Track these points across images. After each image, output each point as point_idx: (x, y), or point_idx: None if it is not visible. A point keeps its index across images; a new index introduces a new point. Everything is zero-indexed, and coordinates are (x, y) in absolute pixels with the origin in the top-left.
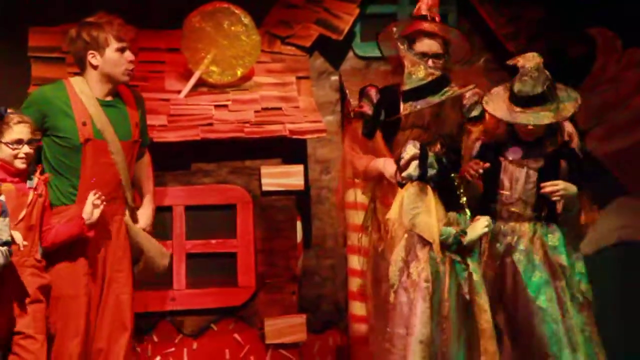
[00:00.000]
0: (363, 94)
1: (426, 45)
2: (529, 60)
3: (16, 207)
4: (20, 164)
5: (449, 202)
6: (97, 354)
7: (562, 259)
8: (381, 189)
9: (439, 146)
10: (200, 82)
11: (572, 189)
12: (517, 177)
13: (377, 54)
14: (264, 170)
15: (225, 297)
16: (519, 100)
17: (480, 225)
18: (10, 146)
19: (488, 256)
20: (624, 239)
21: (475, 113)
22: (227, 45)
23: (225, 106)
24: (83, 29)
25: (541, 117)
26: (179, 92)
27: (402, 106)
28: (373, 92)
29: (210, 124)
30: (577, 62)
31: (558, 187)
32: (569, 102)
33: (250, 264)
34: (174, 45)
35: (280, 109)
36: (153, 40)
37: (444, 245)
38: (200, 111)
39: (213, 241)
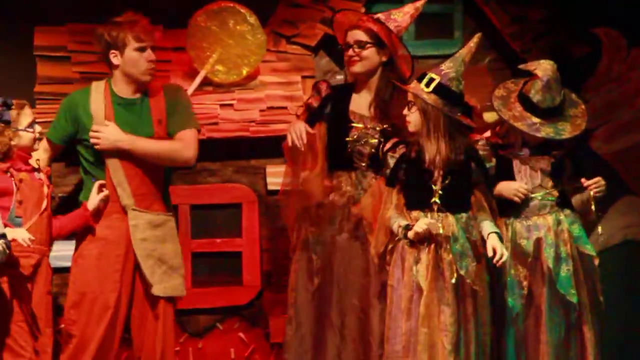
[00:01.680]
0: (314, 88)
1: (349, 35)
2: (548, 71)
3: (39, 198)
4: (37, 146)
5: (417, 201)
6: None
7: (588, 248)
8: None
9: (414, 146)
10: (206, 81)
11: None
12: (531, 175)
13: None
14: (270, 169)
15: (231, 296)
16: (538, 112)
17: (420, 223)
18: (29, 130)
19: (514, 257)
20: (629, 238)
21: None
22: (233, 45)
23: (231, 105)
24: (105, 28)
25: (560, 129)
26: None
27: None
28: (324, 87)
29: (216, 123)
30: (582, 62)
31: (601, 182)
32: (576, 108)
33: (255, 263)
34: (180, 45)
35: (285, 108)
36: (158, 39)
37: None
38: (205, 110)
39: (218, 240)
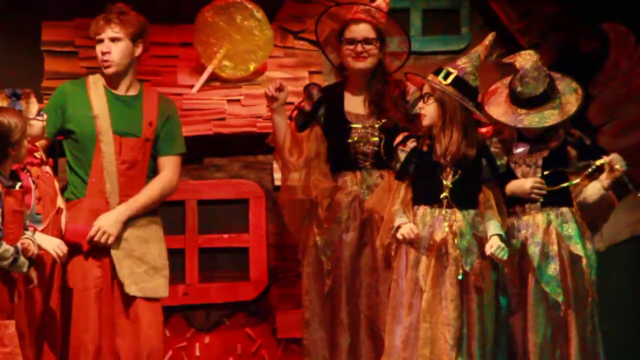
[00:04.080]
0: (306, 91)
1: (354, 31)
2: (527, 60)
3: (54, 194)
4: (45, 134)
5: (425, 195)
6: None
7: (578, 248)
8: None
9: (427, 140)
10: (213, 77)
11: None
12: (526, 173)
13: (389, 48)
14: (276, 165)
15: (238, 292)
16: (522, 102)
17: (402, 229)
18: (39, 118)
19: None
20: (637, 234)
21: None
22: (240, 40)
23: (238, 101)
24: None
25: (546, 117)
26: (191, 86)
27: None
28: (315, 90)
29: (223, 119)
30: (590, 58)
31: (617, 157)
32: (570, 95)
33: (262, 258)
34: (187, 40)
35: (292, 103)
36: (165, 35)
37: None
38: (212, 106)
39: (225, 236)
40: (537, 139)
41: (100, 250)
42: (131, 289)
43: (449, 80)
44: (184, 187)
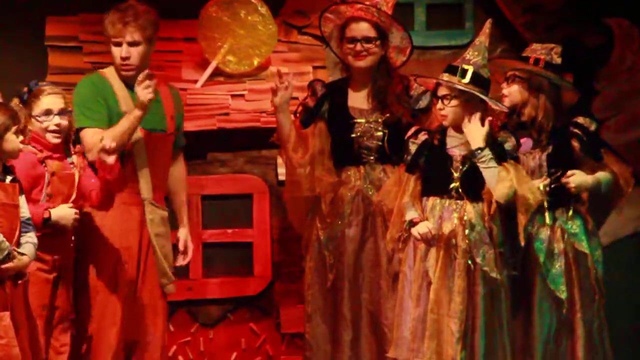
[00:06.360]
0: (310, 87)
1: (354, 29)
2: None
3: (68, 193)
4: (52, 139)
5: (435, 187)
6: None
7: (583, 246)
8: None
9: (437, 135)
10: (217, 72)
11: (586, 182)
12: (532, 169)
13: (392, 43)
14: (281, 159)
15: (242, 287)
16: None
17: (419, 227)
18: (39, 118)
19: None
20: None
21: (422, 105)
22: (244, 35)
23: (242, 96)
24: (106, 17)
25: None
26: (195, 81)
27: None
28: (318, 86)
29: (227, 114)
30: (595, 53)
31: (571, 183)
32: None
33: (266, 253)
34: (191, 35)
35: (297, 98)
36: (170, 30)
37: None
38: (216, 101)
39: (229, 231)
40: (535, 131)
41: (129, 251)
42: (169, 287)
43: (468, 78)
44: (188, 181)
